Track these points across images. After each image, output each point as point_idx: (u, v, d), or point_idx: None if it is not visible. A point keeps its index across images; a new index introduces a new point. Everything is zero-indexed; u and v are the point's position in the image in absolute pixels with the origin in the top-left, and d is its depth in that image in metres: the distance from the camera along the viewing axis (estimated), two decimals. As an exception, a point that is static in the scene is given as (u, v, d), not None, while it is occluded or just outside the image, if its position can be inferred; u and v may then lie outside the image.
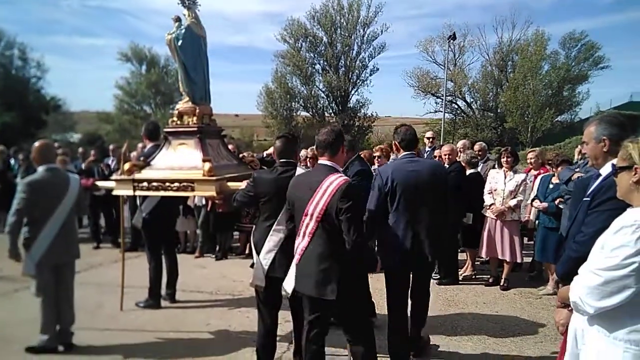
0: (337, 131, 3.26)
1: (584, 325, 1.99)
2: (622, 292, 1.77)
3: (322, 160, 3.24)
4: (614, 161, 2.12)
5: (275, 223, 3.42)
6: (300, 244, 3.12)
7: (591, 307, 1.85)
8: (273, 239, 3.43)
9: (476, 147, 7.45)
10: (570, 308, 2.07)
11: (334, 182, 3.03)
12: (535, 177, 6.48)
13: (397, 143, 3.89)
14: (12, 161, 10.50)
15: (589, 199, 2.49)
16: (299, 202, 3.15)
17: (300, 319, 3.69)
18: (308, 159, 6.95)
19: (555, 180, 5.72)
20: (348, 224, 2.92)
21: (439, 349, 4.21)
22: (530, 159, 6.97)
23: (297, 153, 3.79)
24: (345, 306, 3.13)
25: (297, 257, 3.15)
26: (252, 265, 3.66)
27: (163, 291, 5.44)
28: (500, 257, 6.02)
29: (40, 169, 4.08)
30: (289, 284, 3.23)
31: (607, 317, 1.86)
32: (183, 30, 4.67)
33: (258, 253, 3.50)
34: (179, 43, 4.66)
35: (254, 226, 3.70)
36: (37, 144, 4.18)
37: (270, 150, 5.60)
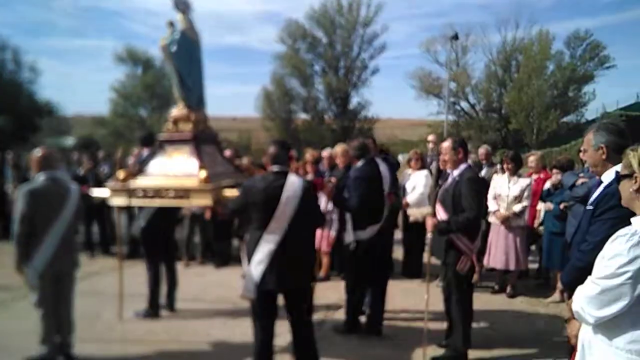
0: None
1: (590, 334, 1.98)
2: (619, 301, 1.78)
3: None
4: (618, 168, 2.15)
5: (266, 232, 3.33)
6: None
7: (592, 316, 1.87)
8: (263, 249, 3.33)
9: (481, 150, 7.31)
10: None
11: None
12: (536, 181, 6.34)
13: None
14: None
15: (592, 207, 2.52)
16: None
17: (298, 330, 3.60)
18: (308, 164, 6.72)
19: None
20: None
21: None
22: (531, 162, 6.83)
23: (289, 160, 3.73)
24: None
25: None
26: (243, 276, 3.56)
27: (162, 300, 5.35)
28: (502, 267, 5.84)
29: (41, 177, 3.93)
30: None
31: (609, 325, 1.86)
32: (177, 36, 4.57)
33: (249, 262, 3.41)
34: (173, 49, 4.56)
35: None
36: (39, 152, 4.03)
37: None
